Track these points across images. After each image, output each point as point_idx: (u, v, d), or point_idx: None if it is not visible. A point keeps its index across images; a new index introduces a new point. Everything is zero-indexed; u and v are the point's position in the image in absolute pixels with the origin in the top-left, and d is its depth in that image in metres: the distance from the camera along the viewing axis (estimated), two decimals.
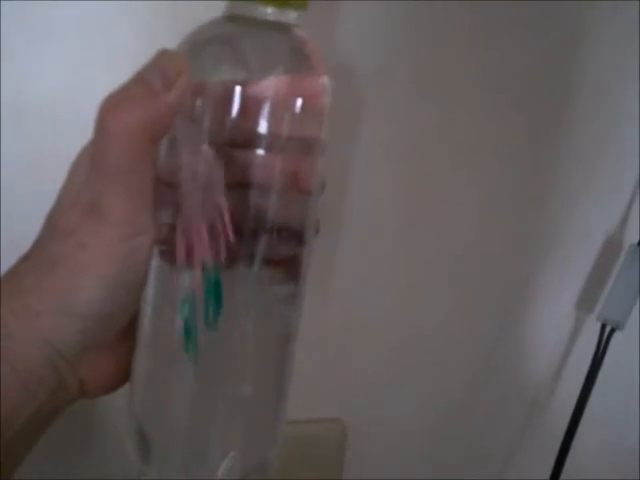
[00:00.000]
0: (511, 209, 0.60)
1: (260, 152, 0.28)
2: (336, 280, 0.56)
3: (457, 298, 0.61)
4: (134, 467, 0.31)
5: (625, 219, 0.63)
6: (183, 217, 0.28)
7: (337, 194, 0.53)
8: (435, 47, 0.53)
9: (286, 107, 0.28)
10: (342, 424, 0.61)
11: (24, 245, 0.28)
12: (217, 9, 0.29)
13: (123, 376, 0.32)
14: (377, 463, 0.64)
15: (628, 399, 0.70)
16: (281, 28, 0.29)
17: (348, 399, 0.61)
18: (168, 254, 0.28)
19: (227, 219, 0.27)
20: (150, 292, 0.30)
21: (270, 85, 0.28)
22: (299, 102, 0.28)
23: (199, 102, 0.27)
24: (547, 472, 0.63)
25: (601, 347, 0.61)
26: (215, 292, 0.28)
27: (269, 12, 0.28)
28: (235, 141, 0.28)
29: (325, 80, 0.30)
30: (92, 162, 0.27)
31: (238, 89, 0.28)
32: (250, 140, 0.28)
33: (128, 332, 0.31)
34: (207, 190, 0.27)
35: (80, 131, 0.28)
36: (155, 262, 0.29)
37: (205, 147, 0.27)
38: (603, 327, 0.61)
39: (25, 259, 0.28)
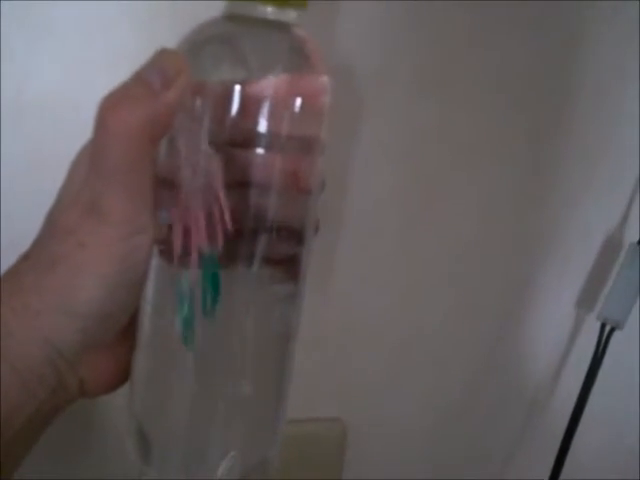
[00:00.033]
0: (511, 209, 0.60)
1: (260, 151, 0.28)
2: (336, 280, 0.56)
3: (457, 298, 0.61)
4: (134, 467, 0.31)
5: (625, 218, 0.63)
6: (180, 205, 0.28)
7: (337, 194, 0.54)
8: (435, 47, 0.53)
9: (286, 106, 0.28)
10: (342, 424, 0.61)
11: (24, 244, 0.28)
12: (216, 9, 0.29)
13: (123, 376, 0.32)
14: (377, 463, 0.64)
15: (628, 398, 0.70)
16: (281, 27, 0.29)
17: (348, 399, 0.61)
18: (168, 253, 0.28)
19: (225, 207, 0.27)
20: (150, 291, 0.30)
21: (270, 84, 0.28)
22: (299, 101, 0.28)
23: (199, 101, 0.27)
24: (547, 471, 0.63)
25: (601, 346, 0.61)
26: (212, 279, 0.28)
27: (269, 11, 0.28)
28: (235, 140, 0.28)
29: (325, 79, 0.30)
30: (92, 161, 0.27)
31: (238, 88, 0.28)
32: (250, 139, 0.28)
33: (128, 332, 0.31)
34: (205, 178, 0.27)
35: (80, 130, 0.28)
36: (155, 261, 0.29)
37: (204, 135, 0.27)
38: (603, 326, 0.61)
39: (25, 258, 0.28)
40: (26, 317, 0.26)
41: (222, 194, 0.27)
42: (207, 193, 0.27)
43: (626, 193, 0.63)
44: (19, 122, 0.45)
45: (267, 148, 0.28)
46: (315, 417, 0.60)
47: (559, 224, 0.62)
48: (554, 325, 0.66)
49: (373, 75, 0.51)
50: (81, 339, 0.27)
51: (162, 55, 0.27)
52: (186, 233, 0.28)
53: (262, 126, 0.28)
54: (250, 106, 0.28)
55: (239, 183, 0.28)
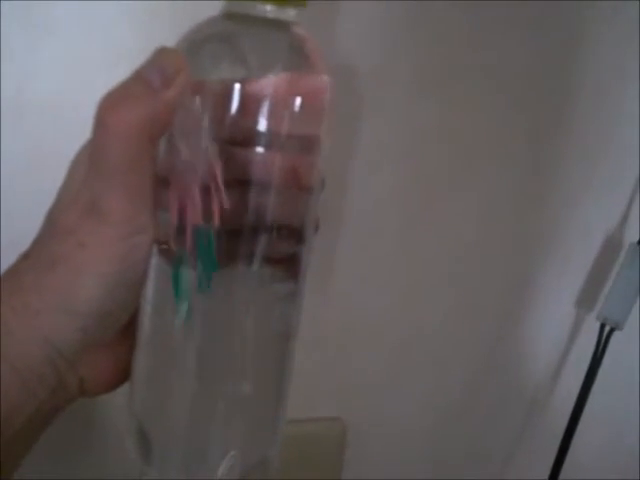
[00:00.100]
0: (511, 209, 0.60)
1: (260, 150, 0.28)
2: (336, 279, 0.56)
3: (457, 298, 0.61)
4: (134, 466, 0.31)
5: (625, 218, 0.63)
6: (176, 180, 0.27)
7: (337, 193, 0.54)
8: (435, 47, 0.53)
9: (285, 105, 0.28)
10: (342, 423, 0.61)
11: (24, 243, 0.28)
12: (215, 8, 0.29)
13: (123, 375, 0.32)
14: (377, 462, 0.64)
15: (627, 398, 0.70)
16: (280, 26, 0.29)
17: (348, 398, 0.61)
18: (167, 252, 0.28)
19: (220, 182, 0.27)
20: (150, 291, 0.30)
21: (269, 83, 0.28)
22: (298, 100, 0.28)
23: (198, 100, 0.27)
24: (547, 471, 0.63)
25: (600, 346, 0.61)
26: (208, 253, 0.28)
27: (268, 10, 0.28)
28: (235, 139, 0.28)
29: (324, 78, 0.30)
30: (91, 161, 0.27)
31: (237, 87, 0.27)
32: (249, 138, 0.28)
33: (128, 331, 0.31)
34: (201, 154, 0.27)
35: (80, 129, 0.27)
36: (154, 261, 0.29)
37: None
38: (602, 326, 0.61)
39: (25, 257, 0.28)
40: (26, 316, 0.26)
41: (218, 169, 0.27)
42: (203, 168, 0.27)
43: (626, 193, 0.63)
44: (19, 121, 0.45)
45: (267, 147, 0.28)
46: (315, 417, 0.60)
47: (559, 224, 0.62)
48: (554, 325, 0.66)
49: (373, 74, 0.51)
50: (81, 338, 0.27)
51: (161, 54, 0.27)
52: (181, 208, 0.27)
53: (262, 125, 0.28)
54: (250, 105, 0.28)
55: (239, 182, 0.28)
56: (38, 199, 0.30)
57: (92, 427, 0.53)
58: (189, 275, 0.28)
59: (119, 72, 0.27)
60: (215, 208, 0.27)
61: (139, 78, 0.26)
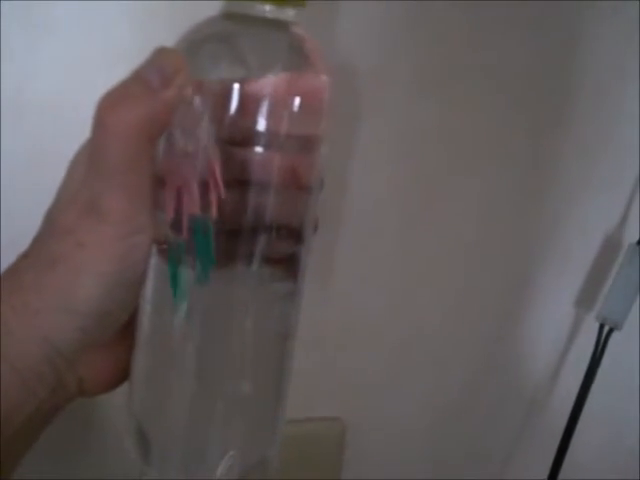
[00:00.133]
0: (510, 209, 0.60)
1: (259, 150, 0.28)
2: (336, 279, 0.56)
3: (456, 298, 0.61)
4: (134, 466, 0.31)
5: (624, 218, 0.63)
6: (174, 172, 0.27)
7: (337, 193, 0.54)
8: (434, 46, 0.53)
9: (285, 105, 0.28)
10: (341, 423, 0.61)
11: (24, 242, 0.28)
12: (214, 8, 0.29)
13: (122, 375, 0.32)
14: (376, 462, 0.64)
15: (627, 399, 0.70)
16: (279, 26, 0.29)
17: (347, 398, 0.61)
18: (166, 252, 0.28)
19: (218, 174, 0.27)
20: (149, 290, 0.30)
21: (269, 83, 0.28)
22: (298, 100, 0.28)
23: (197, 100, 0.27)
24: (546, 471, 0.63)
25: (599, 346, 0.61)
26: (205, 244, 0.28)
27: (267, 10, 0.28)
28: (234, 139, 0.28)
29: (324, 78, 0.30)
30: (90, 160, 0.27)
31: (236, 87, 0.27)
32: (249, 138, 0.28)
33: (127, 331, 0.31)
34: (198, 144, 0.27)
35: (79, 129, 0.27)
36: (154, 260, 0.29)
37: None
38: (602, 326, 0.61)
39: (25, 256, 0.28)
40: (26, 316, 0.26)
41: (216, 160, 0.27)
42: (200, 159, 0.27)
43: (625, 193, 0.63)
44: (19, 121, 0.45)
45: (266, 147, 0.28)
46: (314, 417, 0.60)
47: (558, 224, 0.62)
48: (553, 325, 0.66)
49: (372, 74, 0.51)
50: (80, 338, 0.27)
51: (160, 54, 0.27)
52: (178, 199, 0.27)
53: (261, 125, 0.28)
54: (249, 105, 0.28)
55: (238, 182, 0.28)
56: (38, 198, 0.30)
57: (91, 427, 0.53)
58: (186, 269, 0.28)
59: (119, 72, 0.27)
60: (213, 198, 0.27)
61: (138, 78, 0.26)
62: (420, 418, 0.64)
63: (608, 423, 0.70)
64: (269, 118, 0.28)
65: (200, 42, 0.29)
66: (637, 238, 0.61)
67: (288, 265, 0.31)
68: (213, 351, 0.30)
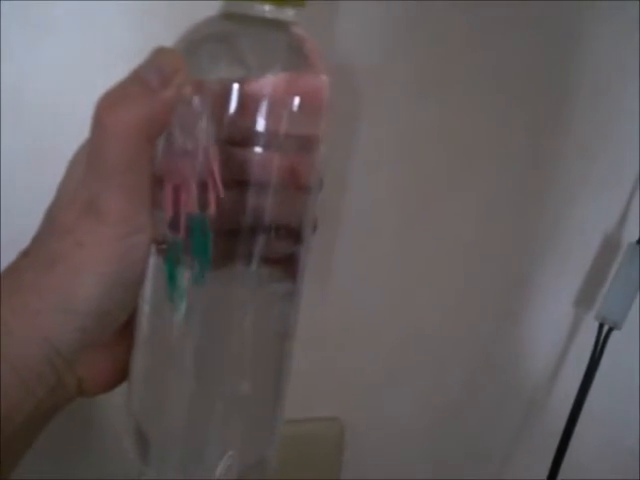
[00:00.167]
0: (509, 208, 0.60)
1: (258, 150, 0.28)
2: (335, 279, 0.56)
3: (455, 297, 0.61)
4: (134, 466, 0.31)
5: (624, 217, 0.63)
6: (172, 170, 0.27)
7: (336, 193, 0.54)
8: (434, 46, 0.53)
9: (284, 105, 0.28)
10: (340, 423, 0.61)
11: (24, 240, 0.28)
12: (213, 8, 0.29)
13: (121, 375, 0.32)
14: (375, 462, 0.64)
15: (626, 399, 0.70)
16: (279, 26, 0.29)
17: (346, 398, 0.61)
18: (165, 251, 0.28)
19: (217, 173, 0.27)
20: (148, 290, 0.30)
21: (268, 83, 0.28)
22: (297, 100, 0.28)
23: (197, 100, 0.27)
24: (545, 471, 0.63)
25: (599, 346, 0.61)
26: (202, 243, 0.28)
27: (266, 9, 0.28)
28: (233, 139, 0.28)
29: (323, 78, 0.30)
30: (89, 160, 0.27)
31: (236, 87, 0.27)
32: (248, 138, 0.28)
33: (126, 331, 0.31)
34: (197, 143, 0.27)
35: (79, 128, 0.27)
36: (153, 260, 0.29)
37: (197, 103, 0.27)
38: (601, 326, 0.61)
39: (24, 255, 0.28)
40: (25, 316, 0.26)
41: (215, 159, 0.27)
42: (199, 158, 0.27)
43: (625, 192, 0.63)
44: (18, 120, 0.45)
45: (265, 147, 0.28)
46: (313, 417, 0.60)
47: (558, 224, 0.62)
48: (552, 325, 0.66)
49: (372, 74, 0.51)
50: (79, 337, 0.27)
51: (159, 53, 0.27)
52: (177, 198, 0.27)
53: (260, 125, 0.28)
54: (248, 105, 0.28)
55: (237, 182, 0.28)
56: (38, 197, 0.30)
57: (90, 427, 0.53)
58: (183, 269, 0.28)
59: (118, 72, 0.27)
60: (211, 197, 0.27)
61: (137, 78, 0.26)
62: (419, 418, 0.64)
63: (607, 423, 0.70)
64: (268, 118, 0.28)
65: (199, 42, 0.29)
66: (636, 237, 0.61)
67: (287, 265, 0.31)
68: (212, 351, 0.30)
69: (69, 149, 0.30)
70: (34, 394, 0.27)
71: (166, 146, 0.27)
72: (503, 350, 0.65)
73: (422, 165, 0.56)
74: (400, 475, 0.65)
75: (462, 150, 0.56)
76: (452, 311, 0.61)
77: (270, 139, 0.28)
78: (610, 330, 0.61)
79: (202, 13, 0.30)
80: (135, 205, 0.27)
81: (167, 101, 0.26)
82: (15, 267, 0.28)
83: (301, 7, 0.29)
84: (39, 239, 0.28)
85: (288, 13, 0.29)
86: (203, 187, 0.27)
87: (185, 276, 0.28)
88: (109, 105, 0.26)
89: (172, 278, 0.28)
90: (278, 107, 0.28)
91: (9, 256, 0.28)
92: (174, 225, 0.28)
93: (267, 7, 0.28)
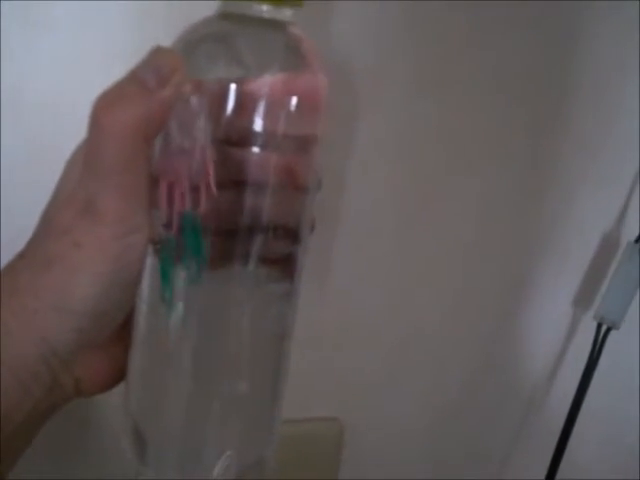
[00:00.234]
0: (508, 208, 0.60)
1: (256, 150, 0.28)
2: (333, 279, 0.56)
3: (454, 297, 0.61)
4: (132, 466, 0.31)
5: (623, 216, 0.63)
6: (167, 168, 0.27)
7: (334, 193, 0.53)
8: (432, 46, 0.53)
9: (282, 105, 0.28)
10: (339, 423, 0.61)
11: (23, 240, 0.28)
12: (212, 9, 0.29)
13: (118, 375, 0.32)
14: (374, 462, 0.64)
15: (625, 398, 0.70)
16: (276, 26, 0.29)
17: (345, 398, 0.61)
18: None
19: (211, 171, 0.27)
20: (145, 290, 0.30)
21: (266, 83, 0.28)
22: (295, 100, 0.28)
23: (194, 100, 0.27)
24: (544, 471, 0.63)
25: (597, 346, 0.61)
26: (195, 241, 0.28)
27: (264, 10, 0.28)
28: (230, 139, 0.28)
29: (321, 78, 0.30)
30: (86, 161, 0.27)
31: (233, 87, 0.27)
32: (245, 138, 0.28)
33: (123, 331, 0.31)
34: (193, 142, 0.27)
35: (78, 128, 0.27)
36: (150, 260, 0.29)
37: (194, 102, 0.27)
38: (599, 326, 0.61)
39: (21, 256, 0.28)
40: (24, 316, 0.26)
41: (209, 158, 0.27)
42: (193, 156, 0.27)
43: (624, 191, 0.63)
44: (18, 120, 0.45)
45: (263, 147, 0.28)
46: (312, 417, 0.60)
47: (556, 223, 0.62)
48: (551, 324, 0.66)
49: (370, 74, 0.51)
50: (76, 338, 0.27)
51: (157, 53, 0.27)
52: (170, 195, 0.27)
53: (258, 125, 0.28)
54: (246, 105, 0.28)
55: (235, 182, 0.28)
56: (37, 196, 0.30)
57: (88, 427, 0.53)
58: (179, 268, 0.28)
59: (116, 71, 0.27)
60: (203, 195, 0.27)
61: (134, 78, 0.26)
62: (418, 418, 0.64)
63: (606, 422, 0.70)
64: (266, 118, 0.28)
65: (197, 42, 0.29)
66: (635, 236, 0.61)
67: (285, 265, 0.31)
68: (210, 351, 0.30)
69: (68, 149, 0.30)
70: (31, 394, 0.27)
71: (163, 145, 0.27)
72: (502, 350, 0.65)
73: (421, 165, 0.56)
74: (400, 475, 0.65)
75: (461, 150, 0.56)
76: (451, 311, 0.61)
77: (268, 139, 0.28)
78: (608, 330, 0.61)
79: (200, 13, 0.30)
80: (132, 205, 0.27)
81: (164, 101, 0.26)
82: (12, 268, 0.28)
83: (299, 7, 0.29)
84: (35, 240, 0.28)
85: (286, 13, 0.29)
86: (197, 185, 0.27)
87: (181, 276, 0.28)
88: (106, 105, 0.26)
89: (165, 276, 0.28)
90: (276, 107, 0.28)
91: (9, 256, 0.28)
92: (168, 223, 0.28)
93: (265, 7, 0.28)
